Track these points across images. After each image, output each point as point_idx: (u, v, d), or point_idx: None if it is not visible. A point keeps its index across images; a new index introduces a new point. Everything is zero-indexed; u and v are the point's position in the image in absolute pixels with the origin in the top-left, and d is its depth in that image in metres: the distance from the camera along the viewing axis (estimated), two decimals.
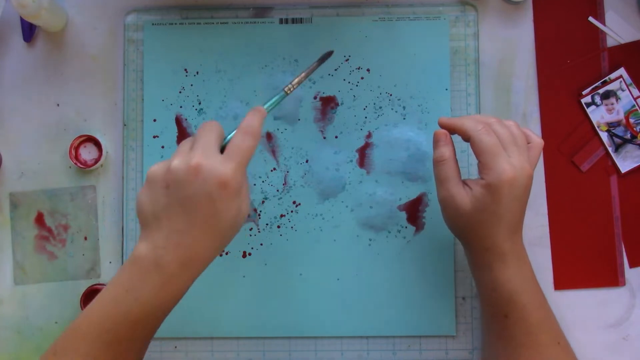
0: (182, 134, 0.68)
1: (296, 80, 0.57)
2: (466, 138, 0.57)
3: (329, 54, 0.61)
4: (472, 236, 0.57)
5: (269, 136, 0.68)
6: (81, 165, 0.67)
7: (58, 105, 0.69)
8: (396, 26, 0.68)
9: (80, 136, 0.67)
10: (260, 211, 0.67)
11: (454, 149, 0.58)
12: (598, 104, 0.68)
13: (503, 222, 0.55)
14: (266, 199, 0.67)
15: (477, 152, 0.55)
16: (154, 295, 0.50)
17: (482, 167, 0.55)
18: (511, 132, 0.56)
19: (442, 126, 0.58)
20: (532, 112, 0.68)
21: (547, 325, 0.57)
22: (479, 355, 0.66)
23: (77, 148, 0.68)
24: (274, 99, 0.57)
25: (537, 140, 0.58)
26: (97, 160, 0.67)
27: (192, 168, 0.49)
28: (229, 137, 0.53)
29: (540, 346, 0.56)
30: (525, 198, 0.56)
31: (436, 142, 0.58)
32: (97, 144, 0.68)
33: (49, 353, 0.51)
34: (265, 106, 0.56)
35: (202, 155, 0.49)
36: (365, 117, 0.67)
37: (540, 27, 0.69)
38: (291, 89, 0.57)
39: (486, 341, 0.60)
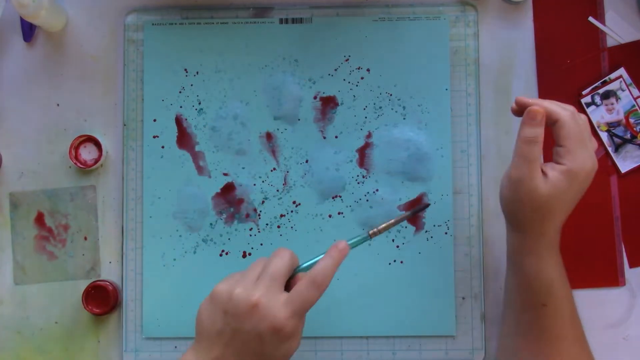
0: (182, 134, 0.68)
1: (383, 226, 0.58)
2: (552, 121, 0.55)
3: (425, 206, 0.64)
4: (532, 221, 0.56)
5: (269, 136, 0.68)
6: (81, 165, 0.67)
7: (58, 105, 0.69)
8: (396, 26, 0.68)
9: (80, 136, 0.67)
10: (260, 211, 0.67)
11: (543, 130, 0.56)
12: (598, 104, 0.68)
13: (566, 211, 0.56)
14: (266, 199, 0.67)
15: (563, 136, 0.54)
16: None
17: (564, 152, 0.54)
18: (587, 125, 0.56)
19: (521, 105, 0.56)
20: None
21: (577, 321, 0.58)
22: (480, 355, 0.66)
23: (77, 148, 0.68)
24: (356, 239, 0.58)
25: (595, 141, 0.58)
26: (97, 160, 0.67)
27: (251, 304, 0.51)
28: (304, 264, 0.56)
29: (571, 340, 0.57)
30: (583, 188, 0.56)
31: (531, 119, 0.55)
32: (97, 144, 0.68)
33: None
34: (349, 242, 0.57)
35: (264, 293, 0.51)
36: (365, 117, 0.67)
37: (540, 27, 0.69)
38: (376, 234, 0.58)
39: (511, 333, 0.60)
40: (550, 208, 0.55)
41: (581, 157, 0.54)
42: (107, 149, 0.68)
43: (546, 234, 0.56)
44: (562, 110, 0.55)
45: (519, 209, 0.56)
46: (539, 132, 0.55)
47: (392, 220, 0.59)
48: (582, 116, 0.57)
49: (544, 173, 0.55)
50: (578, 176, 0.54)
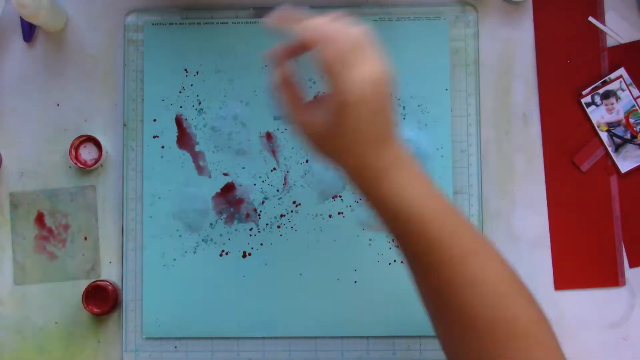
0: (182, 134, 0.68)
1: None
2: (301, 48, 0.50)
3: None
4: (340, 160, 0.49)
5: (269, 136, 0.68)
6: (81, 165, 0.67)
7: (58, 105, 0.69)
8: (396, 26, 0.68)
9: (80, 136, 0.67)
10: (260, 211, 0.67)
11: (289, 67, 0.50)
12: (598, 104, 0.68)
13: (363, 138, 0.47)
14: (266, 199, 0.67)
15: (322, 67, 0.48)
16: None
17: (327, 80, 0.48)
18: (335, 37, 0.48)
19: (280, 18, 0.50)
20: (532, 112, 0.68)
21: (458, 236, 0.47)
22: None
23: (77, 148, 0.68)
24: None
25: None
26: (97, 160, 0.67)
27: None
28: None
29: (452, 260, 0.47)
30: (381, 103, 0.47)
31: (270, 64, 0.50)
32: (97, 143, 0.68)
33: None
34: None
35: None
36: None
37: (540, 27, 0.69)
38: None
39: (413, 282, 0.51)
40: (342, 143, 0.47)
41: (340, 87, 0.46)
42: (107, 149, 0.68)
43: (366, 167, 0.48)
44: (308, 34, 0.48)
45: (320, 153, 0.50)
46: (277, 75, 0.50)
47: None
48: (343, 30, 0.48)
49: (318, 107, 0.49)
50: (342, 104, 0.46)
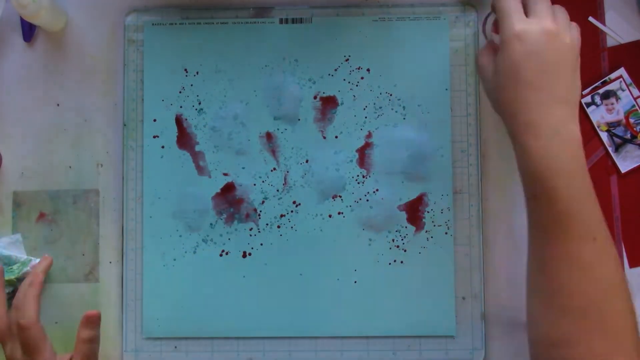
0: (182, 134, 0.68)
1: None
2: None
3: None
4: (500, 105, 0.54)
5: (269, 136, 0.68)
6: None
7: (58, 105, 0.69)
8: (396, 26, 0.68)
9: None
10: (260, 211, 0.67)
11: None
12: (598, 104, 0.68)
13: (522, 84, 0.51)
14: (266, 199, 0.67)
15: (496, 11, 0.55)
16: None
17: (498, 25, 0.54)
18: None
19: None
20: None
21: (582, 217, 0.50)
22: (480, 355, 0.66)
23: None
24: None
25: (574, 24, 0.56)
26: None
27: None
28: None
29: (569, 238, 0.50)
30: (554, 59, 0.52)
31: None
32: None
33: None
34: None
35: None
36: (365, 117, 0.67)
37: None
38: None
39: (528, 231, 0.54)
40: (504, 86, 0.53)
41: (507, 26, 0.53)
42: None
43: (518, 115, 0.52)
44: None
45: (489, 98, 0.56)
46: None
47: None
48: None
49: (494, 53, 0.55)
50: (509, 42, 0.52)
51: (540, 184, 0.51)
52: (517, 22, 0.52)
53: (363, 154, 0.67)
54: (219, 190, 0.67)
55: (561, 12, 0.55)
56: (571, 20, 0.55)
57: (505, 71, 0.53)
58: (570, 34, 0.54)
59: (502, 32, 0.53)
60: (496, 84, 0.54)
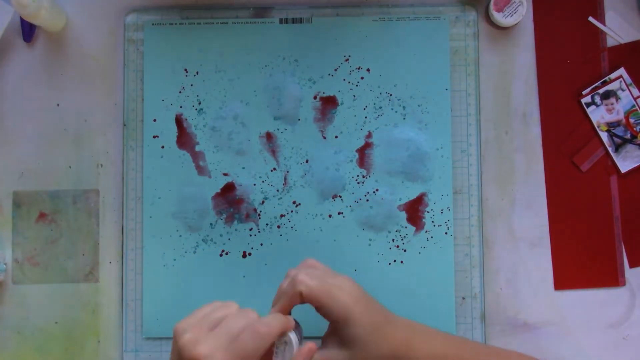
0: (182, 133, 0.68)
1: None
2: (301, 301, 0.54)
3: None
4: None
5: (269, 136, 0.68)
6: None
7: (58, 105, 0.69)
8: (396, 26, 0.68)
9: None
10: (260, 211, 0.67)
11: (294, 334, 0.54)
12: (598, 104, 0.68)
13: (379, 331, 0.53)
14: (266, 199, 0.67)
15: (317, 300, 0.53)
16: None
17: (326, 312, 0.53)
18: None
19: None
20: (532, 112, 0.68)
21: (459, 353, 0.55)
22: None
23: None
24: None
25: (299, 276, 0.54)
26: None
27: (192, 356, 0.48)
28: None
29: None
30: (367, 296, 0.54)
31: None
32: None
33: None
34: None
35: (211, 349, 0.49)
36: (365, 117, 0.67)
37: (540, 27, 0.69)
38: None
39: None
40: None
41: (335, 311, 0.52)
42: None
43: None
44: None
45: None
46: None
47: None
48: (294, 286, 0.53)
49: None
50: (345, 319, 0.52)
51: None
52: (342, 294, 0.53)
53: (363, 154, 0.67)
54: (219, 190, 0.67)
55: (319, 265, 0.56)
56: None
57: (357, 332, 0.52)
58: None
59: (336, 310, 0.52)
60: (355, 353, 0.53)
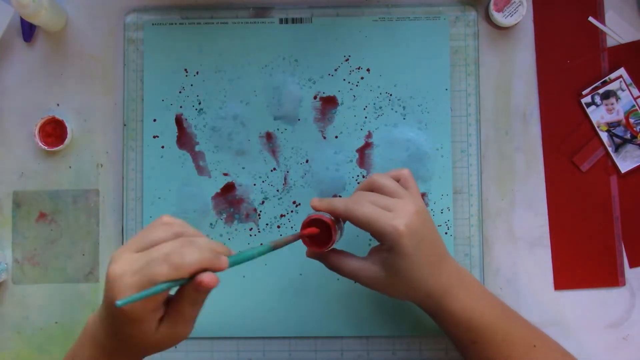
0: (182, 134, 0.68)
1: (283, 240, 0.54)
2: (344, 219, 0.57)
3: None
4: (406, 295, 0.56)
5: (269, 136, 0.68)
6: (47, 147, 0.66)
7: (58, 105, 0.69)
8: (396, 26, 0.68)
9: (46, 118, 0.66)
10: (260, 211, 0.67)
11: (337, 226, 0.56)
12: (598, 104, 0.68)
13: (423, 269, 0.54)
14: (266, 199, 0.67)
15: (361, 226, 0.54)
16: None
17: (375, 236, 0.55)
18: (380, 186, 0.56)
19: (316, 208, 0.56)
20: (532, 112, 0.68)
21: (516, 334, 0.57)
22: None
23: (42, 129, 0.67)
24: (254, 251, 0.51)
25: (403, 171, 0.58)
26: (62, 141, 0.67)
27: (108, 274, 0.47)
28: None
29: (515, 355, 0.56)
30: (428, 231, 0.55)
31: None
32: (63, 126, 0.67)
33: None
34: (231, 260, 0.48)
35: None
36: (365, 117, 0.67)
37: (540, 27, 0.69)
38: (279, 246, 0.53)
39: None
40: (406, 280, 0.55)
41: (388, 231, 0.53)
42: (72, 127, 0.67)
43: (431, 293, 0.55)
44: (343, 206, 0.55)
45: (387, 294, 0.57)
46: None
47: (291, 237, 0.55)
48: (372, 178, 0.57)
49: (374, 257, 0.56)
50: (400, 244, 0.53)
51: (474, 330, 0.56)
52: (393, 220, 0.53)
53: (363, 154, 0.67)
54: (219, 190, 0.67)
55: (410, 182, 0.58)
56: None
57: (401, 264, 0.54)
58: (419, 197, 0.57)
59: (383, 237, 0.53)
60: (392, 278, 0.55)
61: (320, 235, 0.55)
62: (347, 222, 0.56)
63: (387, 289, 0.56)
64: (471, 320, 0.56)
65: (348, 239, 0.67)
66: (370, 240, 0.66)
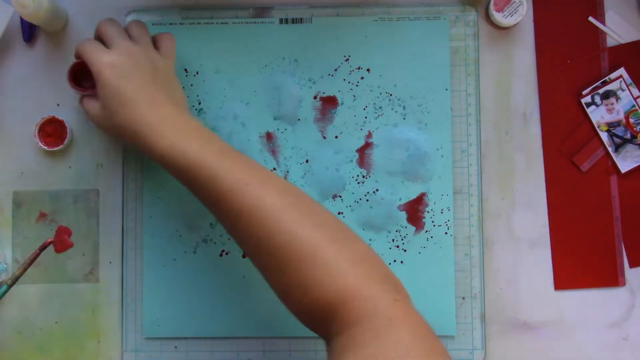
0: None
1: (20, 270, 0.64)
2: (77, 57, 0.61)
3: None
4: (116, 129, 0.58)
5: (269, 136, 0.68)
6: (47, 147, 0.66)
7: (58, 105, 0.69)
8: (396, 26, 0.68)
9: (46, 118, 0.67)
10: None
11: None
12: (598, 104, 0.68)
13: (126, 104, 0.56)
14: None
15: (82, 59, 0.59)
16: None
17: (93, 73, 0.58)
18: (114, 29, 0.60)
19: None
20: (532, 112, 0.68)
21: (232, 172, 0.54)
22: (480, 355, 0.66)
23: (42, 129, 0.67)
24: None
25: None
26: (62, 141, 0.67)
27: None
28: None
29: (229, 193, 0.53)
30: (141, 72, 0.57)
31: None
32: (62, 125, 0.67)
33: None
34: None
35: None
36: (365, 117, 0.67)
37: (540, 27, 0.69)
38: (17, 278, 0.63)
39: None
40: (114, 112, 0.57)
41: (94, 61, 0.57)
42: (72, 127, 0.68)
43: (133, 123, 0.56)
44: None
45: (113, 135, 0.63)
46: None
47: (27, 260, 0.64)
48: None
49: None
50: (101, 75, 0.57)
51: (184, 171, 0.55)
52: (103, 55, 0.58)
53: (363, 154, 0.67)
54: None
55: (137, 31, 0.61)
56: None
57: (108, 99, 0.57)
58: (149, 47, 0.60)
59: (93, 69, 0.57)
60: (107, 115, 0.58)
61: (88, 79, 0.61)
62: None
63: (102, 122, 0.59)
64: (183, 158, 0.54)
65: None
66: (370, 240, 0.66)
